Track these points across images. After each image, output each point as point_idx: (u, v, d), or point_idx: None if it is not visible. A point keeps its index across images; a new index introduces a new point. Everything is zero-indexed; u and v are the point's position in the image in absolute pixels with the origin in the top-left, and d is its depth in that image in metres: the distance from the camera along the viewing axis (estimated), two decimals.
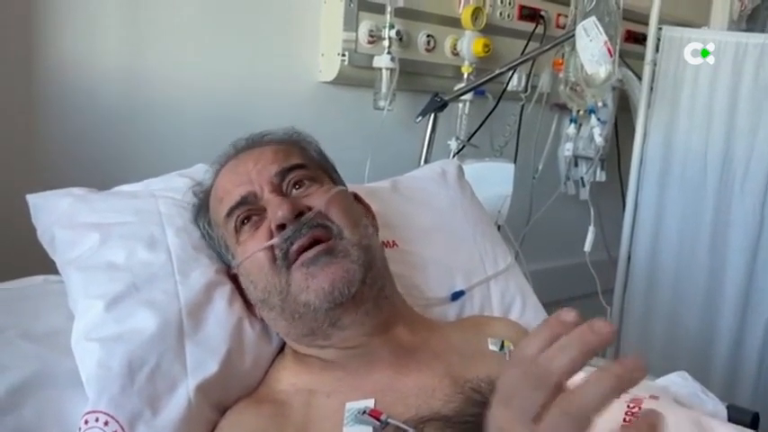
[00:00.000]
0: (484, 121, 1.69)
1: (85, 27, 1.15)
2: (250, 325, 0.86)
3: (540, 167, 1.86)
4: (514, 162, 1.59)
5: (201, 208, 0.91)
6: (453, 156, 1.57)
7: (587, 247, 1.65)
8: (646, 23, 1.72)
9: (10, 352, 0.77)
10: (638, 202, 1.76)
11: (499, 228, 1.35)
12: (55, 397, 0.75)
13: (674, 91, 1.70)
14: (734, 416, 0.85)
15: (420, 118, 1.47)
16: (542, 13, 1.76)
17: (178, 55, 1.27)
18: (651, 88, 1.71)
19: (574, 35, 1.43)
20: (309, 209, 0.81)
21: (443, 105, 1.46)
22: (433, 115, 1.47)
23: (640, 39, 1.90)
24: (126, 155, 1.22)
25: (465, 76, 1.60)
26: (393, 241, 1.03)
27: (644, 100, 1.72)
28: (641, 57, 1.74)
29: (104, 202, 0.94)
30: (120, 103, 1.21)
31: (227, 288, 0.86)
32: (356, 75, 1.45)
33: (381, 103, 1.45)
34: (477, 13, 1.57)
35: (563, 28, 1.77)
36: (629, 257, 1.78)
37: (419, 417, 0.72)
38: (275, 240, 0.79)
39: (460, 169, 1.24)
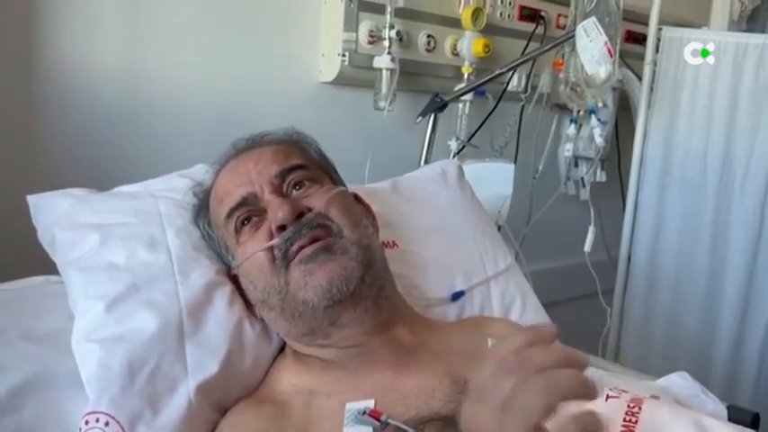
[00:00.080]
0: (484, 122, 1.69)
1: (85, 27, 1.15)
2: (250, 325, 0.86)
3: (541, 168, 1.86)
4: (514, 162, 1.59)
5: (202, 208, 0.91)
6: (453, 156, 1.57)
7: (587, 247, 1.65)
8: (646, 24, 1.72)
9: (10, 352, 0.77)
10: (639, 202, 1.76)
11: (499, 228, 1.35)
12: (55, 397, 0.75)
13: (675, 91, 1.70)
14: (734, 416, 0.85)
15: (420, 118, 1.47)
16: (542, 13, 1.76)
17: (178, 55, 1.27)
18: (651, 88, 1.71)
19: (574, 35, 1.43)
20: (310, 210, 0.82)
21: (443, 106, 1.46)
22: (433, 115, 1.47)
23: (640, 39, 1.90)
24: (126, 155, 1.22)
25: (465, 76, 1.60)
26: (393, 241, 1.03)
27: (644, 100, 1.72)
28: (641, 57, 1.74)
29: (104, 203, 0.94)
30: (120, 103, 1.21)
31: (227, 288, 0.86)
32: (356, 75, 1.45)
33: (381, 104, 1.45)
34: (477, 13, 1.57)
35: (563, 28, 1.77)
36: (629, 258, 1.78)
37: (419, 417, 0.72)
38: (276, 241, 0.79)
39: (461, 169, 1.24)
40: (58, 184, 0.98)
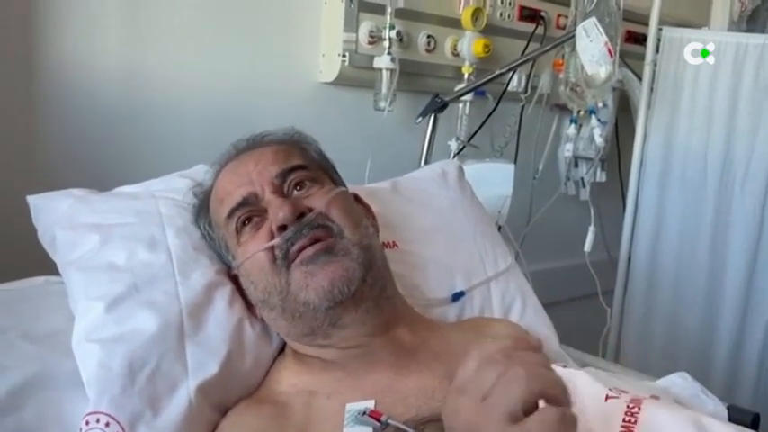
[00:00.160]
0: (484, 122, 1.69)
1: (85, 27, 1.15)
2: (250, 325, 0.86)
3: (541, 168, 1.86)
4: (515, 163, 1.59)
5: (202, 209, 0.91)
6: (453, 156, 1.57)
7: (587, 247, 1.65)
8: (646, 24, 1.72)
9: (11, 353, 0.77)
10: (639, 202, 1.76)
11: (499, 228, 1.35)
12: (56, 398, 0.75)
13: (675, 91, 1.70)
14: (734, 416, 0.85)
15: (420, 119, 1.47)
16: (542, 13, 1.76)
17: (178, 55, 1.27)
18: (651, 89, 1.71)
19: (574, 36, 1.43)
20: (310, 210, 0.82)
21: (444, 106, 1.46)
22: (433, 116, 1.47)
23: (640, 39, 1.90)
24: (126, 155, 1.22)
25: (465, 76, 1.60)
26: (393, 242, 1.03)
27: (644, 100, 1.72)
28: (641, 57, 1.74)
29: (105, 204, 0.94)
30: (120, 103, 1.21)
31: (227, 289, 0.86)
32: (356, 75, 1.45)
33: (382, 104, 1.45)
34: (477, 13, 1.57)
35: (563, 29, 1.77)
36: (629, 258, 1.77)
37: (419, 417, 0.72)
38: (276, 241, 0.80)
39: (461, 170, 1.24)
40: (59, 185, 0.98)
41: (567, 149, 1.83)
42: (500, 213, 1.39)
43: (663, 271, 1.75)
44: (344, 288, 0.78)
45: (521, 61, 1.58)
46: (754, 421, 0.87)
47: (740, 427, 0.76)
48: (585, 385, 0.68)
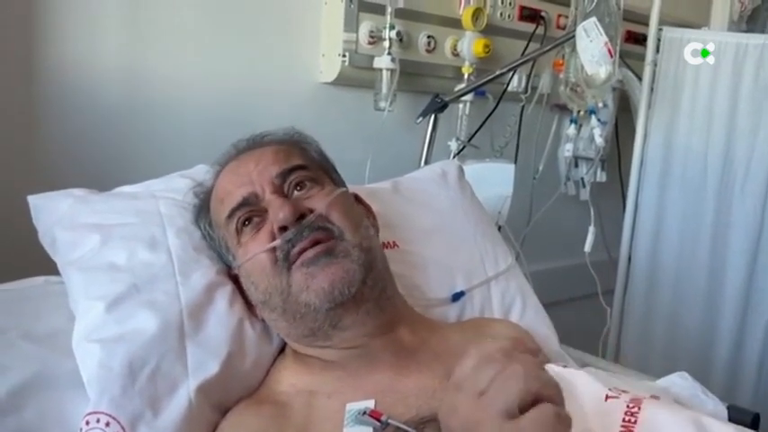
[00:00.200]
0: (484, 122, 1.69)
1: (85, 27, 1.15)
2: (251, 326, 0.86)
3: (541, 168, 1.86)
4: (515, 163, 1.59)
5: (202, 209, 0.91)
6: (454, 156, 1.57)
7: (587, 247, 1.65)
8: (646, 24, 1.72)
9: (11, 353, 0.77)
10: (639, 202, 1.76)
11: (500, 228, 1.34)
12: (56, 398, 0.75)
13: (675, 92, 1.70)
14: (734, 416, 0.85)
15: (420, 119, 1.47)
16: (543, 13, 1.76)
17: (178, 55, 1.27)
18: (651, 89, 1.71)
19: (574, 36, 1.43)
20: (311, 211, 0.82)
21: (444, 106, 1.46)
22: (433, 116, 1.47)
23: (641, 39, 1.90)
24: (126, 155, 1.22)
25: (465, 76, 1.60)
26: (394, 242, 1.03)
27: (644, 100, 1.72)
28: (641, 57, 1.74)
29: (105, 204, 0.94)
30: (120, 103, 1.21)
31: (227, 289, 0.86)
32: (357, 75, 1.45)
33: (382, 104, 1.45)
34: (477, 13, 1.57)
35: (563, 29, 1.77)
36: (629, 258, 1.77)
37: (419, 417, 0.72)
38: (278, 242, 0.80)
39: (461, 170, 1.24)
40: (59, 185, 0.98)
41: (567, 149, 1.83)
42: (500, 213, 1.39)
43: (663, 271, 1.75)
44: (345, 290, 0.78)
45: (521, 61, 1.58)
46: (754, 421, 0.87)
47: (740, 427, 0.76)
48: (585, 385, 0.68)
